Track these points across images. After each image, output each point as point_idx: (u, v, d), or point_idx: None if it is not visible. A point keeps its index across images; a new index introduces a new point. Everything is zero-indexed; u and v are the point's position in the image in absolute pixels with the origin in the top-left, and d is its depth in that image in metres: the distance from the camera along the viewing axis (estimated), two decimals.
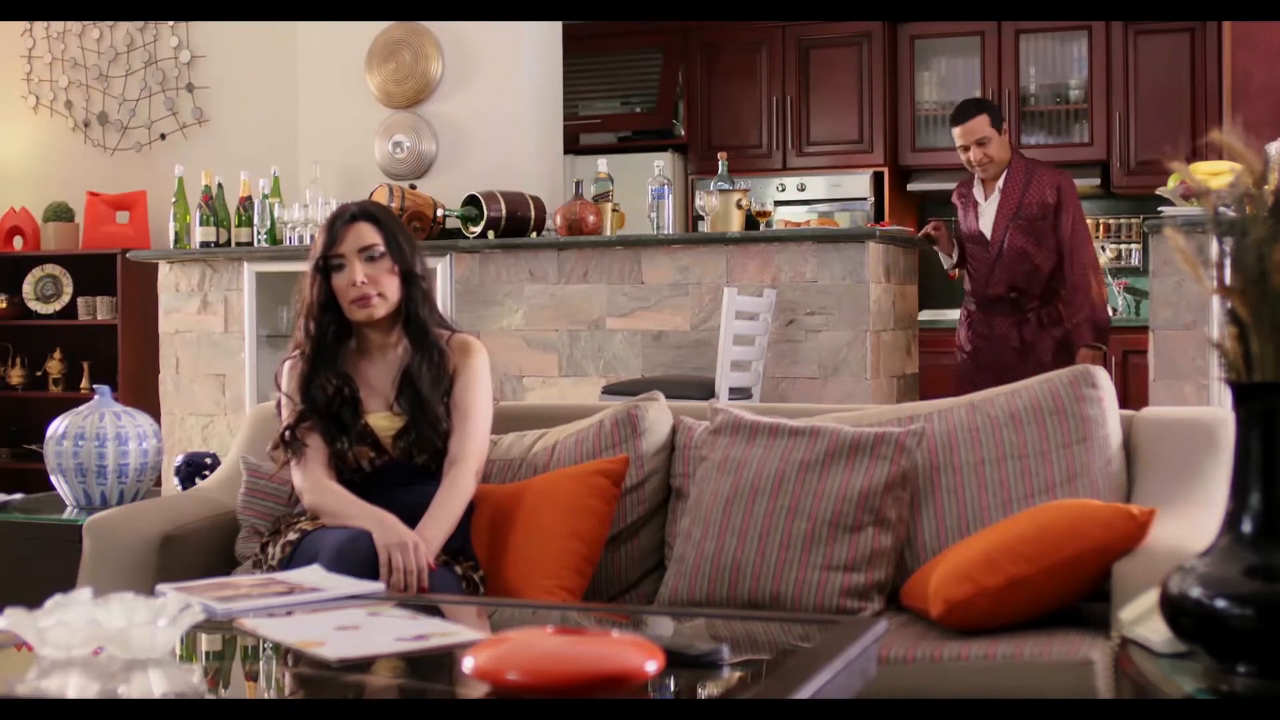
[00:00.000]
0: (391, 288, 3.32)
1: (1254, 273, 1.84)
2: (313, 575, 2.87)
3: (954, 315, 8.13)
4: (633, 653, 1.94)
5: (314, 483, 3.24)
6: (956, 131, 5.86)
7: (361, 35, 6.56)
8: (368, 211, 3.37)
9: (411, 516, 3.14)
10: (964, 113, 5.88)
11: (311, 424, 3.29)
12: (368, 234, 3.31)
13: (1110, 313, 6.23)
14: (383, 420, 3.30)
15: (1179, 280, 4.68)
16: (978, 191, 5.94)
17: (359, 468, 3.29)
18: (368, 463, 3.29)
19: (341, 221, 3.33)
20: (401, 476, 3.28)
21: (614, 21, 8.46)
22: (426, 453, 3.30)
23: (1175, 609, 1.86)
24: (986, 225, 5.87)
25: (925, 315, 7.38)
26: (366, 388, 3.34)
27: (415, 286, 3.35)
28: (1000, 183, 5.84)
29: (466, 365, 3.36)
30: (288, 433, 3.30)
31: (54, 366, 7.65)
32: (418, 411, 3.28)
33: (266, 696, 2.27)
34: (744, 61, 8.66)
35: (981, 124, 5.79)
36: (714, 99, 8.73)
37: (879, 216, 8.19)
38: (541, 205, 6.10)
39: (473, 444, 3.30)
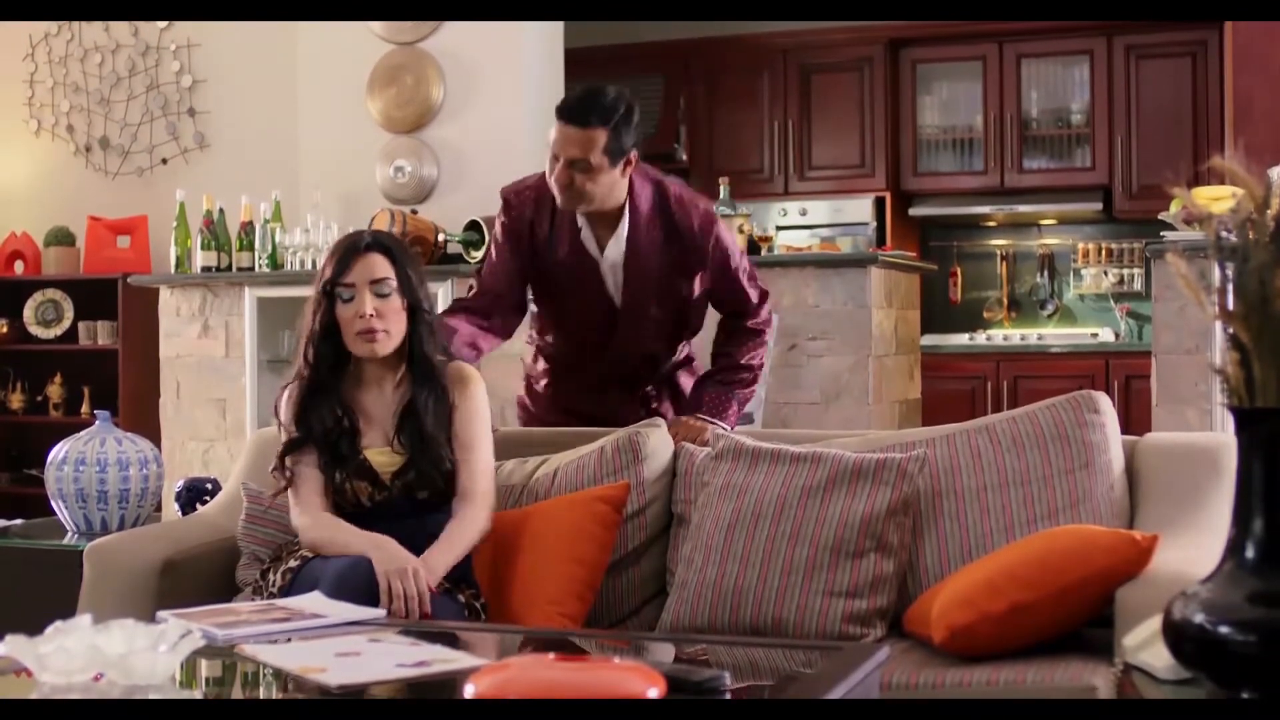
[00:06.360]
0: (398, 325, 3.24)
1: (1256, 298, 1.84)
2: (313, 602, 2.86)
3: (957, 340, 8.17)
4: (634, 679, 1.94)
5: (311, 520, 3.20)
6: (553, 131, 3.64)
7: (362, 59, 6.56)
8: (383, 244, 3.29)
9: (414, 547, 3.09)
10: (581, 111, 3.57)
11: (307, 452, 3.25)
12: (381, 267, 3.23)
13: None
14: (381, 455, 3.25)
15: (1181, 305, 4.68)
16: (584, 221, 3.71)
17: (358, 502, 3.24)
18: (367, 498, 3.24)
19: (356, 249, 3.24)
20: (402, 509, 3.23)
21: (615, 38, 8.48)
22: (427, 489, 3.25)
23: (1178, 635, 1.86)
24: (610, 279, 3.71)
25: (927, 340, 7.38)
26: (365, 419, 3.28)
27: (421, 322, 3.27)
28: (623, 231, 3.68)
29: (465, 396, 3.30)
30: (283, 460, 3.26)
31: (54, 391, 7.63)
32: (419, 450, 3.22)
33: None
34: (745, 86, 8.66)
35: (594, 141, 3.54)
36: (715, 123, 8.73)
37: (881, 241, 8.19)
38: None
39: (484, 479, 3.26)
